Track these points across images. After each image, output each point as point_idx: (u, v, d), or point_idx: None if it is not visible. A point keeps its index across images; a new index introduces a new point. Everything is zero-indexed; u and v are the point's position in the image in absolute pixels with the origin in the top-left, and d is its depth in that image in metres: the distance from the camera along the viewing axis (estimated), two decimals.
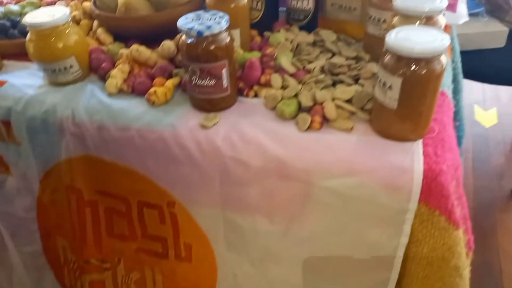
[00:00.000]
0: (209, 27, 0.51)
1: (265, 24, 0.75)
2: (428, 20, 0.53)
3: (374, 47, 0.66)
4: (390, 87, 0.47)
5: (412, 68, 0.45)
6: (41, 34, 0.62)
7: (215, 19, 0.53)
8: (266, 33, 0.72)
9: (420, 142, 0.50)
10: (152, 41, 0.72)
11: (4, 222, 0.80)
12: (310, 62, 0.63)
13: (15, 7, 0.82)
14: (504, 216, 1.44)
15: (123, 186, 0.64)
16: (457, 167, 0.53)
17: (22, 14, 0.82)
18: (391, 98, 0.47)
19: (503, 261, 1.30)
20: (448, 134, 0.53)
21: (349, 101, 0.56)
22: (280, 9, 0.78)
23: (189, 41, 0.53)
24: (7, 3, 0.89)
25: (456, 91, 1.06)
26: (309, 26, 0.74)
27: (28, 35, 0.63)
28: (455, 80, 1.03)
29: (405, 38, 0.45)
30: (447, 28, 0.84)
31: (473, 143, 1.73)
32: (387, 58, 0.47)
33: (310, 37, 0.69)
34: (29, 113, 0.64)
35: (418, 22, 0.53)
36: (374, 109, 0.52)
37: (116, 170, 0.63)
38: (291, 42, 0.68)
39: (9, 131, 0.67)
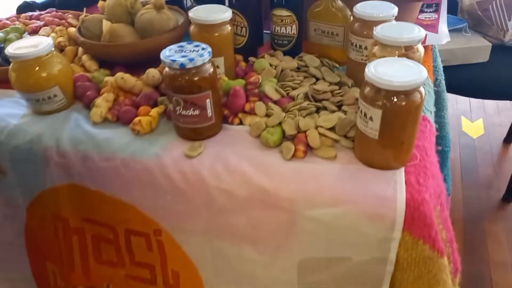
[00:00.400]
0: (191, 60, 0.52)
1: (249, 49, 0.75)
2: (408, 49, 0.54)
3: (357, 72, 0.67)
4: (371, 118, 0.47)
5: (392, 100, 0.45)
6: (23, 65, 0.62)
7: (197, 51, 0.54)
8: (251, 59, 0.73)
9: (402, 170, 0.51)
10: (137, 67, 0.73)
11: None
12: (294, 88, 0.64)
13: None
14: (493, 227, 1.45)
15: (109, 215, 0.64)
16: (441, 193, 0.54)
17: (6, 41, 0.82)
18: (372, 128, 0.48)
19: (493, 272, 1.31)
20: (430, 160, 0.53)
21: (332, 128, 0.56)
22: (265, 31, 0.79)
23: (172, 73, 0.54)
24: None
25: (441, 108, 1.07)
26: (293, 51, 0.75)
27: (11, 65, 0.63)
28: (439, 98, 1.04)
29: (384, 71, 0.46)
30: (428, 49, 0.85)
31: (461, 154, 1.76)
32: (367, 89, 0.47)
33: (294, 63, 0.70)
34: (13, 143, 0.63)
35: (397, 52, 0.53)
36: (357, 138, 0.53)
37: (101, 198, 0.62)
38: (275, 67, 0.69)
39: None
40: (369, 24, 0.62)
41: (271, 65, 0.70)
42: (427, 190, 0.49)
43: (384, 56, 0.55)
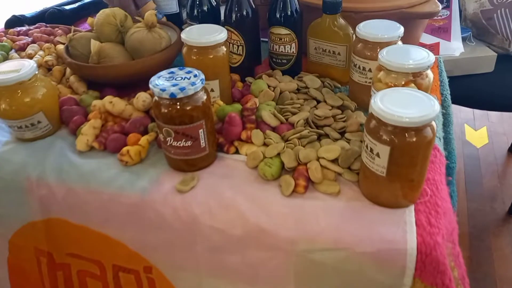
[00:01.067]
0: (182, 89, 0.48)
1: (246, 68, 0.71)
2: (416, 75, 0.50)
3: (360, 94, 0.63)
4: (377, 154, 0.43)
5: (401, 137, 0.41)
6: (5, 90, 0.58)
7: (189, 78, 0.50)
8: (248, 79, 0.69)
9: (412, 209, 0.47)
10: (128, 88, 0.69)
11: None
12: (293, 113, 0.60)
13: None
14: (498, 241, 1.41)
15: (95, 250, 0.60)
16: (453, 230, 0.50)
17: None
18: (379, 165, 0.44)
19: None
20: (442, 196, 0.49)
21: (335, 160, 0.52)
22: (262, 39, 0.74)
23: (161, 102, 0.49)
24: None
25: (447, 124, 1.03)
26: (293, 70, 0.71)
27: None
28: (445, 114, 1.00)
29: (392, 104, 0.42)
30: (434, 64, 0.81)
31: (465, 164, 1.72)
32: (372, 123, 0.43)
33: (294, 84, 0.66)
34: None
35: (405, 78, 0.50)
36: (362, 172, 0.49)
37: (87, 233, 0.58)
38: (274, 89, 0.65)
39: None
40: (373, 45, 0.58)
41: (269, 86, 0.66)
42: (440, 232, 0.44)
43: (390, 82, 0.51)
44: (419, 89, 0.50)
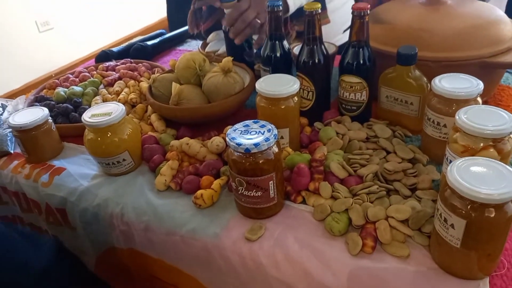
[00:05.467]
0: (257, 145, 0.50)
1: (315, 112, 0.73)
2: (496, 140, 0.48)
3: (434, 148, 0.61)
4: (452, 225, 0.42)
5: (479, 212, 0.40)
6: (97, 131, 0.65)
7: (263, 132, 0.52)
8: (316, 125, 0.70)
9: (487, 282, 0.45)
10: (202, 127, 0.74)
11: None
12: (362, 165, 0.60)
13: (77, 88, 0.87)
14: None
15: (172, 278, 0.65)
16: None
17: (84, 95, 0.87)
18: (453, 236, 0.43)
19: None
20: None
21: (405, 220, 0.52)
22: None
23: (236, 154, 0.52)
24: (72, 81, 0.95)
25: None
26: (362, 116, 0.71)
27: (86, 131, 0.66)
28: None
29: (470, 176, 0.41)
30: None
31: None
32: (447, 193, 0.42)
33: (363, 133, 0.66)
34: (82, 205, 0.66)
35: (483, 143, 0.48)
36: (434, 238, 0.47)
37: (163, 265, 0.63)
38: (342, 137, 0.66)
39: (64, 218, 0.70)
40: (449, 101, 0.57)
41: (337, 133, 0.67)
42: None
43: (468, 146, 0.49)
44: (499, 154, 0.48)
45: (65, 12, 2.83)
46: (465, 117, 0.50)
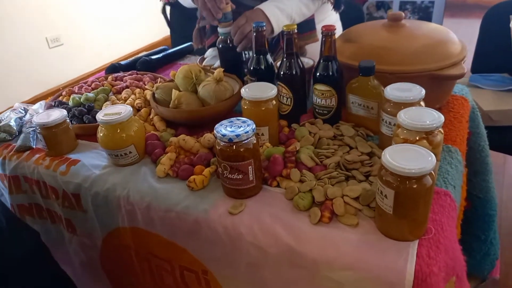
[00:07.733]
0: (238, 135, 0.63)
1: (293, 116, 0.86)
2: (428, 133, 0.60)
3: (387, 144, 0.73)
4: (385, 196, 0.55)
5: (404, 183, 0.53)
6: (109, 127, 0.78)
7: (244, 127, 0.65)
8: (293, 125, 0.83)
9: (416, 243, 0.57)
10: (197, 128, 0.86)
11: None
12: (327, 157, 0.73)
13: (90, 95, 1.00)
14: None
15: (167, 253, 0.76)
16: (455, 265, 0.59)
17: (96, 100, 1.01)
18: (387, 204, 0.55)
19: None
20: (446, 235, 0.58)
21: (357, 198, 0.64)
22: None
23: (222, 143, 0.65)
24: (85, 89, 1.08)
25: (485, 172, 1.09)
26: (333, 119, 0.84)
27: (99, 128, 0.79)
28: (482, 163, 1.06)
29: (398, 157, 0.53)
30: (463, 120, 0.89)
31: None
32: (382, 171, 0.55)
33: (331, 132, 0.79)
34: (94, 190, 0.78)
35: (418, 136, 0.60)
36: (377, 209, 0.60)
37: (160, 240, 0.74)
38: (314, 135, 0.78)
39: (78, 202, 0.82)
40: (398, 105, 0.69)
41: (310, 132, 0.80)
42: (437, 263, 0.54)
43: (407, 138, 0.62)
44: (430, 144, 0.61)
45: (74, 29, 3.01)
46: (404, 116, 0.62)
